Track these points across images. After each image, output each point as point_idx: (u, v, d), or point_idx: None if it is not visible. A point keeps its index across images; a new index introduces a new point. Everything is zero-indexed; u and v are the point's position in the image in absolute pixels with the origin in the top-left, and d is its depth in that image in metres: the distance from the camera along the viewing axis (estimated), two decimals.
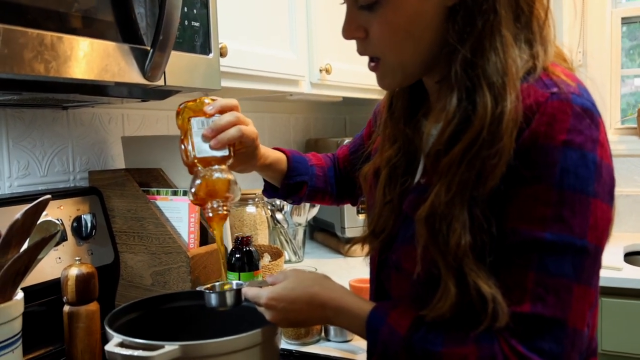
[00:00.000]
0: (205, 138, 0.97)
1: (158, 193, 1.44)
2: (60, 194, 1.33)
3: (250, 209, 1.88)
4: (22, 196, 1.26)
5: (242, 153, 1.06)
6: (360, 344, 1.31)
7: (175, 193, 1.43)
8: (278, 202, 2.05)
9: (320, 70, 1.81)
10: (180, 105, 1.00)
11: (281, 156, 1.19)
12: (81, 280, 1.16)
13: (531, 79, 0.78)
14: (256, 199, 1.89)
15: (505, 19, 0.78)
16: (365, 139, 1.20)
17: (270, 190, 1.25)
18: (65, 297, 1.17)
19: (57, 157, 1.44)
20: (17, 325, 0.98)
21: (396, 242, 0.91)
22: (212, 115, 0.98)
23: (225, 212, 0.94)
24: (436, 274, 0.80)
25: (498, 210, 0.77)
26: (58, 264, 1.28)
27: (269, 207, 2.00)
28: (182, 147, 0.98)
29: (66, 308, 1.17)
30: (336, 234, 2.21)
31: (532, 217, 0.75)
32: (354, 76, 2.03)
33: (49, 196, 0.95)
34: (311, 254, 2.19)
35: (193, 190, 0.94)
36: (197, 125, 0.98)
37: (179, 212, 1.40)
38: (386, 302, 0.89)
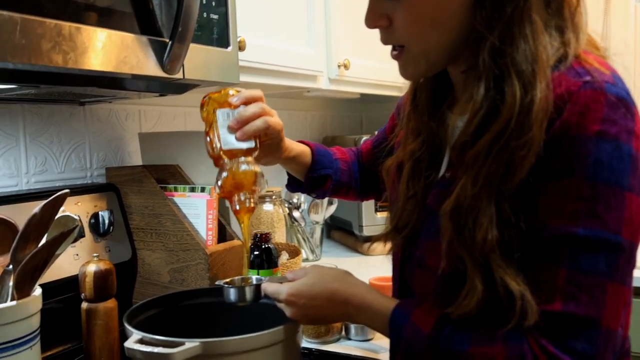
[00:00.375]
0: (231, 130, 0.95)
1: (175, 190, 1.42)
2: (77, 190, 1.32)
3: (268, 206, 1.86)
4: (40, 192, 1.24)
5: (268, 145, 1.05)
6: (382, 342, 1.28)
7: (193, 189, 1.41)
8: (295, 199, 2.03)
9: (339, 66, 1.79)
10: (204, 97, 0.99)
11: (305, 149, 1.17)
12: (99, 276, 1.15)
13: (562, 67, 0.75)
14: (273, 197, 1.87)
15: (536, 5, 0.75)
16: (388, 133, 1.17)
17: (294, 185, 1.24)
18: (83, 294, 1.15)
19: (75, 154, 1.43)
20: (35, 322, 0.96)
21: (420, 238, 0.89)
22: (238, 106, 0.97)
23: (252, 205, 0.93)
24: (462, 270, 0.77)
25: (527, 204, 0.74)
26: (76, 260, 1.27)
27: (286, 205, 1.98)
28: (208, 139, 0.97)
29: (84, 305, 1.16)
30: (353, 233, 2.19)
31: (563, 212, 0.72)
32: (373, 72, 2.01)
33: (67, 190, 0.94)
34: (328, 253, 2.16)
35: (219, 183, 0.92)
36: (223, 117, 0.96)
37: (196, 209, 1.38)
38: (410, 300, 0.87)
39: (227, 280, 0.97)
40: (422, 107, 0.93)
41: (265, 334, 0.87)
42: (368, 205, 2.09)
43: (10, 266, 0.95)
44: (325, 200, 2.05)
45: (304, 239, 2.01)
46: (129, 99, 1.40)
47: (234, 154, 0.95)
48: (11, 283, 0.94)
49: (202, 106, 0.99)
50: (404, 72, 0.86)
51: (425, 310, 0.81)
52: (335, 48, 1.79)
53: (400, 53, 0.84)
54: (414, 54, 0.82)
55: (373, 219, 2.10)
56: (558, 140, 0.71)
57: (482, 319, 0.76)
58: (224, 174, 0.93)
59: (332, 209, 2.06)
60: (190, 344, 0.81)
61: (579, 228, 0.71)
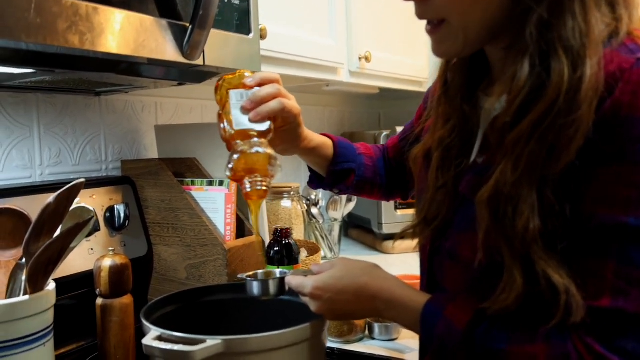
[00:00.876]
0: (244, 110, 0.91)
1: (193, 183, 1.38)
2: (92, 183, 1.28)
3: (286, 203, 1.82)
4: (54, 184, 1.20)
5: (284, 131, 1.00)
6: (407, 342, 1.23)
7: (210, 183, 1.36)
8: (313, 196, 1.99)
9: (360, 58, 1.74)
10: (218, 80, 0.94)
11: (327, 141, 1.12)
12: (115, 271, 1.10)
13: (614, 43, 0.70)
14: (292, 193, 1.82)
15: None
16: (415, 126, 1.12)
17: (316, 181, 1.18)
18: (98, 290, 1.11)
19: (90, 146, 1.39)
20: (49, 317, 0.92)
21: (451, 229, 0.84)
22: (252, 87, 0.92)
23: (264, 189, 0.87)
24: (499, 262, 0.72)
25: (572, 191, 0.69)
26: (90, 255, 1.23)
27: (304, 202, 1.93)
28: (222, 126, 0.92)
29: (99, 301, 1.12)
30: (372, 231, 2.14)
31: (613, 200, 0.66)
32: (393, 66, 1.96)
33: (82, 180, 0.90)
34: (347, 251, 2.11)
35: (230, 165, 0.87)
36: (236, 98, 0.92)
37: (214, 203, 1.34)
38: (442, 294, 0.82)
39: (250, 273, 0.92)
40: (454, 91, 0.88)
41: (291, 331, 0.82)
42: (388, 203, 2.04)
43: (23, 259, 0.91)
44: (344, 196, 2.00)
45: (322, 236, 1.96)
46: (145, 89, 1.35)
47: (246, 135, 0.90)
48: (24, 277, 0.90)
49: (216, 89, 0.95)
50: (438, 48, 0.80)
51: (460, 305, 0.76)
52: (356, 40, 1.75)
53: (436, 27, 0.78)
54: (453, 29, 0.77)
55: (393, 216, 2.05)
56: (608, 121, 0.66)
57: (521, 315, 0.71)
58: (235, 156, 0.87)
59: (351, 205, 2.01)
60: (212, 342, 0.77)
61: (630, 217, 0.65)
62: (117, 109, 1.46)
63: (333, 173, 1.13)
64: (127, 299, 1.13)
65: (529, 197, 0.69)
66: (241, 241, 1.32)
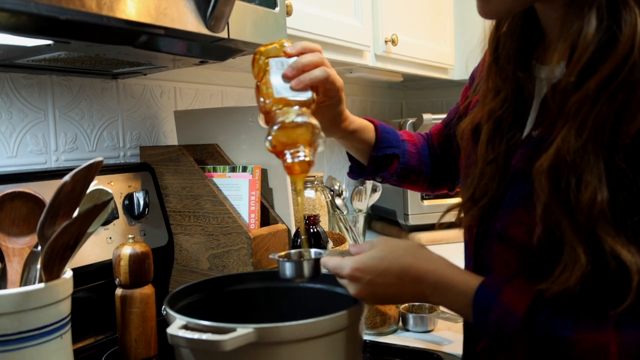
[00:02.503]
0: (286, 78, 0.84)
1: (215, 170, 1.32)
2: (110, 169, 1.22)
3: (309, 193, 1.74)
4: (70, 169, 1.14)
5: (326, 106, 0.93)
6: (444, 334, 1.16)
7: (233, 169, 1.30)
8: (337, 186, 1.92)
9: (386, 41, 1.67)
10: (255, 52, 0.88)
11: (368, 124, 1.05)
12: (135, 260, 1.04)
13: None
14: (315, 182, 1.75)
15: None
16: (461, 109, 1.04)
17: (357, 170, 1.11)
18: (117, 279, 1.05)
19: (107, 131, 1.33)
20: (66, 308, 0.86)
21: (501, 208, 0.77)
22: (293, 56, 0.85)
23: (308, 159, 0.80)
24: (558, 241, 0.65)
25: None
26: (109, 244, 1.17)
27: (328, 192, 1.86)
28: (260, 99, 0.85)
29: (118, 291, 1.06)
30: (397, 222, 2.06)
31: None
32: (419, 51, 1.89)
33: (100, 158, 0.83)
34: None
35: (270, 136, 0.80)
36: (276, 66, 0.85)
37: (238, 190, 1.27)
38: (497, 276, 0.74)
39: (282, 253, 0.85)
40: (505, 59, 0.80)
41: (328, 319, 0.75)
42: (414, 193, 1.97)
43: (39, 247, 0.85)
44: (369, 187, 1.93)
45: (346, 228, 1.89)
46: (164, 71, 1.29)
47: (287, 104, 0.83)
48: (39, 266, 0.84)
49: (253, 62, 0.88)
50: (485, 6, 0.73)
51: (518, 288, 0.69)
52: (382, 22, 1.68)
53: None
54: None
55: (419, 207, 1.97)
56: None
57: (588, 299, 0.64)
58: (275, 127, 0.80)
59: (377, 196, 1.94)
60: (243, 331, 0.70)
61: None
62: (135, 94, 1.40)
63: (375, 159, 1.06)
64: (148, 289, 1.07)
65: (596, 166, 0.62)
66: (266, 229, 1.25)
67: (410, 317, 1.17)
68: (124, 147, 1.37)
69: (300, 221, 0.88)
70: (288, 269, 0.83)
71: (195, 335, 0.70)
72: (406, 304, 1.22)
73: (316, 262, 0.83)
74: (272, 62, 0.85)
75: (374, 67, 1.69)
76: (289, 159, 0.80)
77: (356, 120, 1.02)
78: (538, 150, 0.69)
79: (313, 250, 0.86)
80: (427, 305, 1.21)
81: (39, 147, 1.20)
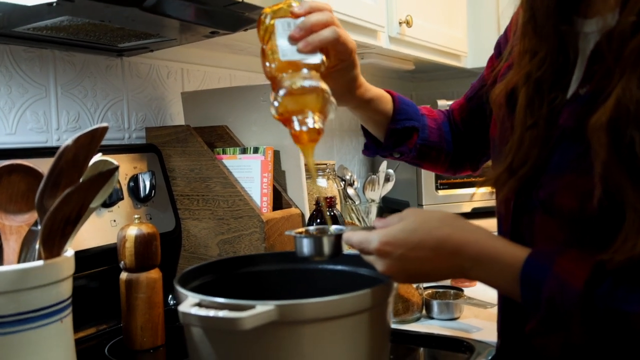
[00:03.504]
0: (292, 40, 0.77)
1: (224, 152, 1.25)
2: (114, 149, 1.15)
3: (321, 181, 1.67)
4: None
5: (338, 71, 0.86)
6: (471, 321, 1.08)
7: (244, 151, 1.23)
8: (348, 176, 1.84)
9: (400, 23, 1.60)
10: (260, 14, 0.81)
11: (385, 94, 0.98)
12: (141, 241, 0.98)
13: None
14: (327, 170, 1.68)
15: None
16: (487, 79, 0.97)
17: (372, 146, 1.04)
18: (122, 263, 0.99)
19: (111, 111, 1.27)
20: (67, 289, 0.79)
21: (545, 175, 0.70)
22: (301, 16, 0.78)
23: (317, 127, 0.72)
24: (619, 203, 0.59)
25: None
26: (113, 227, 1.10)
27: (340, 182, 1.79)
28: (266, 64, 0.79)
29: (123, 275, 0.99)
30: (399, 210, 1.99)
31: None
32: (433, 35, 1.83)
33: (105, 124, 0.77)
34: None
35: (276, 102, 0.73)
36: (282, 27, 0.78)
37: (249, 171, 1.20)
38: (546, 247, 0.67)
39: (300, 230, 0.79)
40: (543, 15, 0.74)
41: (352, 296, 0.68)
42: (428, 182, 1.90)
43: (38, 226, 0.78)
44: (382, 176, 1.86)
45: (358, 218, 1.82)
46: (171, 46, 1.22)
47: (294, 67, 0.76)
48: (38, 245, 0.77)
49: (258, 25, 0.81)
50: None
51: (573, 258, 0.62)
52: (396, 2, 1.61)
53: None
54: None
55: (434, 197, 1.91)
56: None
57: None
58: (282, 92, 0.73)
59: (390, 186, 1.87)
60: (263, 308, 0.63)
61: None
62: (141, 73, 1.33)
63: (393, 132, 0.98)
64: (155, 273, 1.00)
65: None
66: (279, 213, 1.19)
67: (435, 303, 1.10)
68: (128, 128, 1.30)
69: (314, 181, 0.81)
70: (306, 246, 0.76)
71: (212, 313, 0.63)
72: (430, 290, 1.15)
73: (337, 238, 0.76)
74: (278, 23, 0.78)
75: (387, 49, 1.62)
76: (296, 126, 0.73)
77: (372, 89, 0.95)
78: (590, 107, 0.63)
79: (333, 227, 0.79)
80: (452, 291, 1.14)
81: (40, 124, 1.13)
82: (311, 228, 0.80)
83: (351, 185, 1.83)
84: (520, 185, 0.74)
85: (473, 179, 1.92)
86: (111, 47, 1.18)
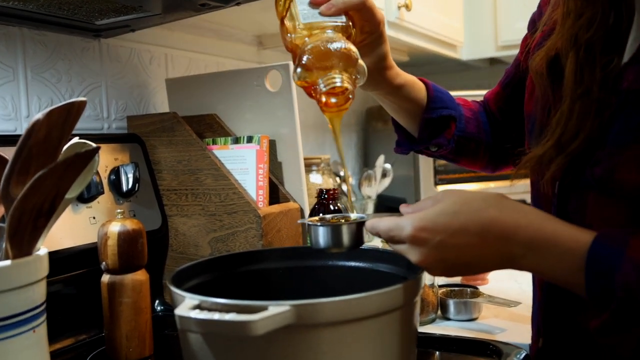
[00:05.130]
0: (314, 4, 0.70)
1: (215, 142, 1.14)
2: (92, 138, 1.02)
3: (315, 177, 1.57)
4: None
5: (367, 46, 0.77)
6: (492, 322, 0.98)
7: (237, 140, 1.12)
8: (342, 172, 1.74)
9: (399, 7, 1.50)
10: None
11: (417, 81, 0.89)
12: (125, 239, 0.86)
13: None
14: (321, 165, 1.58)
15: None
16: (523, 63, 0.87)
17: (405, 142, 0.94)
18: (104, 264, 0.87)
19: (88, 98, 1.15)
20: (40, 294, 0.68)
21: (601, 150, 0.60)
22: None
23: (348, 86, 0.64)
24: None
25: None
26: (92, 225, 0.98)
27: (336, 177, 1.69)
28: (287, 35, 0.72)
29: (105, 278, 0.88)
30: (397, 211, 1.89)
31: None
32: (431, 22, 1.74)
33: (83, 98, 0.65)
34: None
35: (299, 69, 0.64)
36: None
37: (243, 162, 1.09)
38: (615, 229, 0.57)
39: (315, 218, 0.69)
40: None
41: (381, 294, 0.57)
42: (427, 178, 1.81)
43: (4, 221, 0.66)
44: (379, 172, 1.76)
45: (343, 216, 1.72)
46: (155, 25, 1.11)
47: (318, 29, 0.69)
48: (4, 243, 0.66)
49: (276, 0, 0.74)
50: None
51: None
52: None
53: None
54: None
55: (433, 193, 1.80)
56: None
57: None
58: (305, 56, 0.65)
59: (387, 181, 1.77)
60: (277, 309, 0.52)
61: None
62: (121, 57, 1.21)
63: (428, 122, 0.89)
64: (141, 275, 0.89)
65: None
66: (277, 207, 1.08)
67: (451, 303, 0.99)
68: (108, 117, 1.18)
69: (341, 153, 0.72)
70: (322, 236, 0.66)
71: (216, 316, 0.52)
72: (444, 289, 1.05)
73: (358, 226, 0.66)
74: None
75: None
76: (322, 87, 0.63)
77: (403, 74, 0.86)
78: None
79: (353, 215, 0.69)
80: (468, 290, 1.04)
81: (7, 111, 1.01)
82: (328, 216, 0.70)
83: (346, 181, 1.73)
84: (567, 164, 0.64)
85: (473, 174, 1.83)
86: (87, 26, 1.06)
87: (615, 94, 0.60)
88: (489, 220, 0.56)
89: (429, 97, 0.88)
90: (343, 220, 0.68)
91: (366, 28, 0.75)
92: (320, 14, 0.69)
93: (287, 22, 0.72)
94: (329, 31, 0.68)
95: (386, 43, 0.79)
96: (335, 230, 0.65)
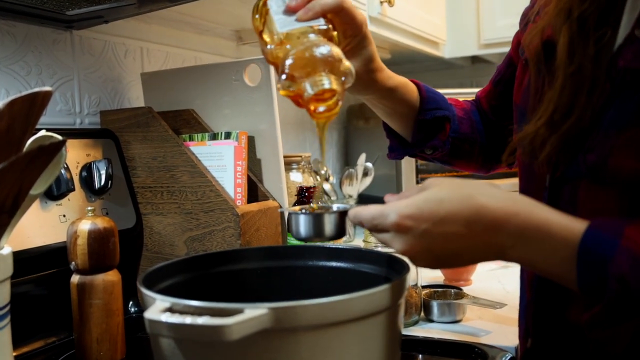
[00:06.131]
0: (290, 10, 0.68)
1: (191, 139, 1.10)
2: (63, 133, 0.98)
3: (295, 175, 1.54)
4: None
5: (352, 49, 0.75)
6: (477, 324, 0.96)
7: (214, 137, 1.09)
8: (323, 171, 1.71)
9: (382, 2, 1.48)
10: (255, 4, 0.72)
11: (408, 82, 0.86)
12: (96, 238, 0.83)
13: None
14: (302, 163, 1.55)
15: None
16: (515, 58, 0.85)
17: (398, 147, 0.92)
18: (73, 263, 0.83)
19: (59, 92, 1.11)
20: (3, 295, 0.65)
21: (598, 131, 0.58)
22: None
23: (337, 87, 0.61)
24: None
25: None
26: (62, 223, 0.94)
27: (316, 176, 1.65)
28: (267, 47, 0.69)
29: (75, 278, 0.84)
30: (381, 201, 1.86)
31: None
32: (413, 18, 1.71)
33: (49, 88, 0.62)
34: (361, 235, 1.84)
35: (283, 76, 0.62)
36: (277, 4, 0.70)
37: (221, 159, 1.06)
38: (608, 217, 0.55)
39: (297, 207, 0.67)
40: None
41: (367, 295, 0.54)
42: (409, 177, 1.78)
43: None
44: (360, 170, 1.73)
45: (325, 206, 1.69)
46: (129, 21, 1.07)
47: (298, 36, 0.67)
48: None
49: (253, 13, 0.72)
50: None
51: None
52: None
53: None
54: None
55: None
56: None
57: None
58: (288, 61, 0.62)
59: (368, 180, 1.74)
60: (254, 312, 0.49)
61: None
62: (94, 50, 1.17)
63: (422, 125, 0.86)
64: (113, 276, 0.85)
65: None
66: (255, 206, 1.04)
67: (435, 304, 0.97)
68: (80, 112, 1.14)
69: (323, 157, 0.69)
70: (302, 225, 0.64)
71: (188, 320, 0.48)
72: (427, 290, 1.02)
73: (341, 215, 0.64)
74: (272, 2, 0.70)
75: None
76: (310, 91, 0.61)
77: (395, 76, 0.83)
78: None
79: (336, 205, 0.67)
80: (452, 291, 1.02)
81: None
82: (310, 206, 0.67)
83: (327, 180, 1.70)
84: (564, 145, 0.61)
85: (456, 173, 1.81)
86: (58, 16, 1.02)
87: (610, 76, 0.58)
88: (477, 208, 0.54)
89: (421, 98, 0.86)
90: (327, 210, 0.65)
91: (348, 31, 0.73)
92: (298, 20, 0.67)
93: (265, 35, 0.69)
94: (311, 35, 0.65)
95: (372, 45, 0.76)
96: (316, 219, 0.63)
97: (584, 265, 0.50)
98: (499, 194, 0.55)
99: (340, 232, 0.64)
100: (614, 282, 0.48)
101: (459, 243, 0.54)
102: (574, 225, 0.52)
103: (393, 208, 0.55)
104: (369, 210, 0.57)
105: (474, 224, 0.53)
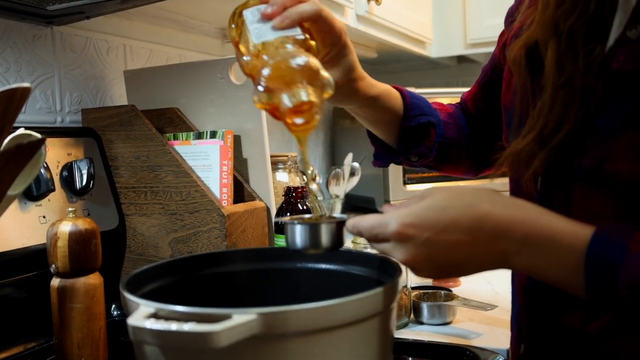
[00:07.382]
0: (266, 18, 0.65)
1: (176, 138, 1.08)
2: (43, 132, 0.95)
3: (282, 175, 1.51)
4: None
5: (333, 59, 0.72)
6: (467, 326, 0.95)
7: (199, 136, 1.06)
8: (309, 170, 1.69)
9: (369, 0, 1.46)
10: (231, 15, 0.69)
11: (392, 89, 0.85)
12: (77, 240, 0.80)
13: None
14: (288, 163, 1.52)
15: None
16: (500, 57, 0.84)
17: (383, 154, 0.90)
18: (53, 266, 0.81)
19: (39, 90, 1.07)
20: None
21: (591, 137, 0.57)
22: None
23: (315, 99, 0.59)
24: None
25: None
26: (42, 225, 0.91)
27: (303, 176, 1.64)
28: (243, 58, 0.67)
29: (55, 282, 0.81)
30: (376, 211, 1.85)
31: None
32: (400, 17, 1.70)
33: (28, 84, 0.59)
34: (349, 236, 1.82)
35: (260, 87, 0.59)
36: (253, 14, 0.67)
37: (207, 159, 1.04)
38: (615, 223, 0.54)
39: (294, 217, 0.65)
40: None
41: (363, 298, 0.53)
42: (396, 177, 1.77)
43: None
44: (347, 170, 1.71)
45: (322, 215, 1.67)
46: (111, 17, 1.04)
47: (274, 46, 0.64)
48: None
49: (231, 20, 0.69)
50: None
51: None
52: None
53: None
54: None
55: (402, 192, 1.77)
56: None
57: None
58: (265, 71, 0.60)
59: (355, 180, 1.72)
60: (242, 317, 0.47)
61: None
62: (76, 47, 1.14)
63: (407, 132, 0.85)
64: (94, 279, 0.82)
65: None
66: (242, 206, 1.02)
67: (425, 306, 0.96)
68: (61, 110, 1.11)
69: (306, 167, 0.67)
70: (299, 236, 0.61)
71: (173, 327, 0.46)
72: (417, 291, 1.01)
73: (339, 226, 0.61)
74: (247, 12, 0.67)
75: (354, 29, 1.48)
76: (287, 103, 0.58)
77: (377, 84, 0.82)
78: None
79: (335, 214, 0.65)
80: (442, 292, 1.00)
81: None
82: (307, 215, 0.66)
83: (313, 179, 1.67)
84: (552, 157, 0.60)
85: (443, 174, 1.80)
86: (38, 11, 0.99)
87: (602, 79, 0.56)
88: (481, 215, 0.52)
89: (405, 105, 0.84)
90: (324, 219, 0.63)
91: (328, 40, 0.70)
92: (274, 28, 0.64)
93: (241, 46, 0.67)
94: (288, 46, 0.63)
95: (353, 53, 0.74)
96: (313, 229, 0.61)
97: (592, 271, 0.49)
98: (503, 201, 0.54)
99: (337, 243, 0.62)
100: (624, 289, 0.47)
101: (463, 251, 0.53)
102: (580, 231, 0.50)
103: (393, 217, 0.54)
104: (368, 220, 0.56)
105: (478, 232, 0.52)
